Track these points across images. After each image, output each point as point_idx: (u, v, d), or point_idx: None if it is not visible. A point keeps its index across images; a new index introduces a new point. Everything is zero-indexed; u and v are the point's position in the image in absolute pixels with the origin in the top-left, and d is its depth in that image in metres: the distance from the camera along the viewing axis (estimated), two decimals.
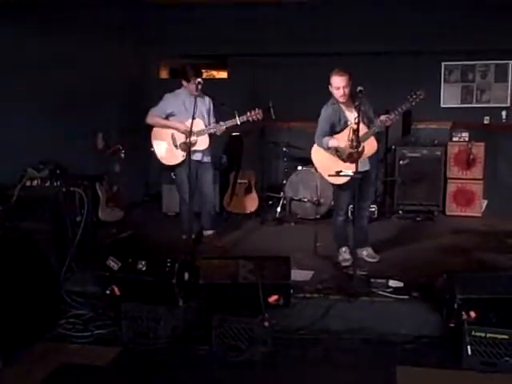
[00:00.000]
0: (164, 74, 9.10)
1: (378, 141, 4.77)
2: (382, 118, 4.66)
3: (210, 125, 5.50)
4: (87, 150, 6.58)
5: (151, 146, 5.58)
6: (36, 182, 4.95)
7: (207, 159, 5.64)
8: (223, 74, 8.98)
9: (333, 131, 4.90)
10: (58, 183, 4.94)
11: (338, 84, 4.70)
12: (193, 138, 5.25)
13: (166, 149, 5.48)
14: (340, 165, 4.83)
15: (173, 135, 5.45)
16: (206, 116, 5.54)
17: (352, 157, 4.69)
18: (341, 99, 4.75)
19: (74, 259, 4.73)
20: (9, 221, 4.42)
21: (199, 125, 5.37)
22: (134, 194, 7.80)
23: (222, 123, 5.39)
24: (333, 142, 4.84)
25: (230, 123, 5.34)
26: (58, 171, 5.14)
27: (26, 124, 5.41)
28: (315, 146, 5.04)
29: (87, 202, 4.89)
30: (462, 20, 7.32)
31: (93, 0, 6.67)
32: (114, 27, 7.24)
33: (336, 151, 4.87)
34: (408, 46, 7.53)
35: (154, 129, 5.56)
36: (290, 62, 7.99)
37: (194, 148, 5.35)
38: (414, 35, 7.40)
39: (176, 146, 5.44)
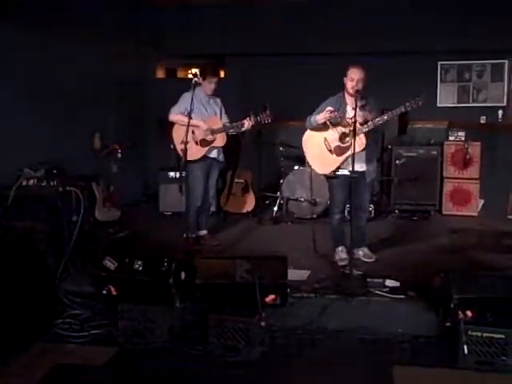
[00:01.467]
0: (160, 74, 9.10)
1: (367, 139, 4.77)
2: (375, 120, 4.72)
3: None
4: (84, 150, 6.57)
5: (172, 142, 5.63)
6: (32, 181, 4.94)
7: (222, 158, 5.78)
8: (220, 74, 8.97)
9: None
10: (55, 183, 4.95)
11: (354, 75, 4.75)
12: (211, 136, 5.53)
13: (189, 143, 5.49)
14: (327, 156, 4.93)
15: (193, 132, 5.51)
16: (219, 115, 5.71)
17: (338, 150, 4.85)
18: (351, 90, 4.76)
19: (71, 259, 4.73)
20: (5, 221, 4.41)
21: (217, 123, 5.55)
22: (130, 193, 7.78)
23: (240, 123, 5.51)
24: (319, 117, 4.86)
25: (245, 124, 5.47)
26: (54, 171, 5.13)
27: (24, 124, 5.40)
28: (306, 134, 5.10)
29: (84, 201, 4.89)
30: (459, 19, 7.32)
31: (92, 0, 6.66)
32: (113, 27, 7.22)
33: (325, 141, 4.92)
34: (404, 45, 7.53)
35: (175, 126, 5.62)
36: (287, 61, 7.98)
37: (212, 145, 5.56)
38: (411, 35, 7.40)
39: (196, 142, 5.48)
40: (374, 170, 5.08)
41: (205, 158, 5.59)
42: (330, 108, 4.83)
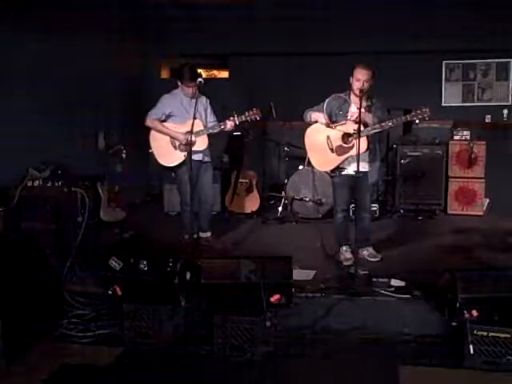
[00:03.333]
0: (165, 74, 9.10)
1: (370, 142, 4.79)
2: (376, 125, 4.73)
3: (208, 124, 5.47)
4: (88, 150, 6.58)
5: (150, 148, 5.57)
6: (37, 182, 4.96)
7: (208, 159, 5.63)
8: (225, 74, 8.98)
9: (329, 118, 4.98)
10: (60, 183, 4.95)
11: (359, 76, 4.74)
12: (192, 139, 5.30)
13: (164, 150, 5.46)
14: (328, 154, 4.94)
15: (171, 137, 5.44)
16: (203, 116, 5.50)
17: (340, 150, 4.86)
18: (357, 91, 4.76)
19: (76, 259, 4.74)
20: (11, 221, 4.42)
21: (198, 125, 5.32)
22: (135, 193, 7.80)
23: (220, 124, 5.36)
24: (315, 115, 4.94)
25: (228, 124, 5.31)
26: (59, 171, 5.14)
27: (27, 124, 5.40)
28: (310, 127, 5.11)
29: (89, 202, 4.89)
30: (463, 18, 7.31)
31: (93, 0, 6.67)
32: (114, 27, 7.23)
33: (327, 139, 4.93)
34: (409, 44, 7.52)
35: (152, 131, 5.54)
36: (290, 61, 7.99)
37: (193, 148, 5.33)
38: (415, 34, 7.39)
39: (175, 146, 5.43)
40: (376, 172, 5.07)
41: (186, 160, 5.39)
42: (324, 116, 4.89)
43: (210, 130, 5.39)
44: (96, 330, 4.16)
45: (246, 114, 5.27)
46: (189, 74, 5.33)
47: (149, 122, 5.50)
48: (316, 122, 4.97)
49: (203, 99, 5.60)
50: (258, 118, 5.32)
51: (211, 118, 5.60)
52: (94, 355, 3.86)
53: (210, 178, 5.77)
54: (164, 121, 5.50)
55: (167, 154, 5.46)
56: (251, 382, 3.57)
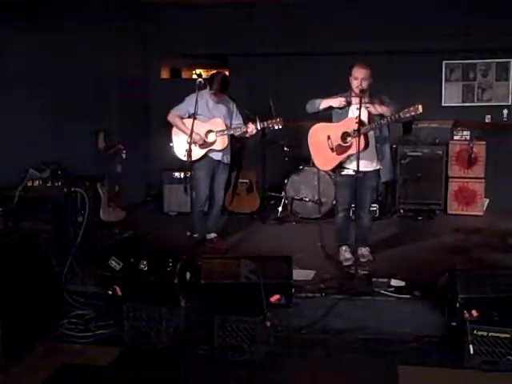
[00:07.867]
0: (165, 74, 9.10)
1: (368, 141, 4.77)
2: (372, 124, 4.73)
3: (231, 127, 5.57)
4: (88, 150, 6.58)
5: (171, 141, 5.64)
6: (37, 182, 4.96)
7: (227, 160, 5.68)
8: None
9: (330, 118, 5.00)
10: (60, 184, 4.96)
11: (358, 75, 4.75)
12: (212, 138, 5.45)
13: (184, 145, 5.39)
14: (328, 153, 4.96)
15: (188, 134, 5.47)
16: (227, 118, 5.58)
17: (339, 149, 4.87)
18: (356, 90, 4.76)
19: (76, 259, 4.74)
20: (10, 221, 4.42)
21: (219, 125, 5.46)
22: (135, 194, 7.80)
23: (242, 127, 5.48)
24: (328, 100, 4.90)
25: (250, 128, 5.43)
26: (59, 172, 5.14)
27: (27, 124, 5.41)
28: (312, 129, 5.12)
29: (88, 202, 4.90)
30: (463, 18, 7.31)
31: (93, 0, 6.67)
32: (114, 27, 7.23)
33: (328, 138, 4.94)
34: (409, 44, 7.52)
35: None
36: (290, 61, 7.99)
37: (211, 147, 5.48)
38: (415, 34, 7.39)
39: (195, 143, 5.44)
40: (388, 171, 5.04)
41: (205, 157, 5.50)
42: (342, 99, 4.85)
43: (232, 132, 5.50)
44: (96, 330, 4.16)
45: (269, 121, 5.41)
46: (217, 85, 5.39)
47: (170, 117, 5.60)
48: (326, 109, 4.93)
49: (230, 103, 5.69)
50: (281, 127, 5.44)
51: (236, 121, 5.69)
52: (93, 355, 3.87)
53: (225, 180, 5.83)
54: (189, 117, 5.46)
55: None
56: (251, 382, 3.57)
